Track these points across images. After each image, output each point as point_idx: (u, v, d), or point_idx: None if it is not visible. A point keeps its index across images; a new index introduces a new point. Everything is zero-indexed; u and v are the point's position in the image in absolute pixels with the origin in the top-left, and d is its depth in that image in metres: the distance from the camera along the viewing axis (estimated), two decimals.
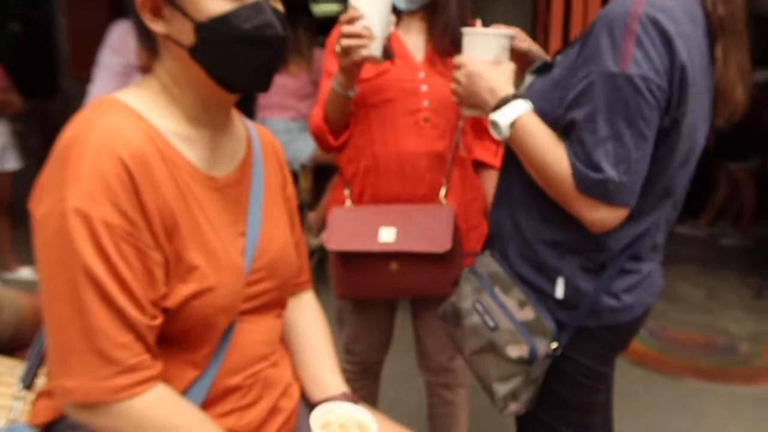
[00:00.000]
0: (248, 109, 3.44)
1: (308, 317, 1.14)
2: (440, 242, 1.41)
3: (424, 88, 1.48)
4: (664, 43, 0.93)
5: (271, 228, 0.99)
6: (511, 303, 1.14)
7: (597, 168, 0.97)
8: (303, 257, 1.14)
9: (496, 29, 1.21)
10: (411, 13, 1.51)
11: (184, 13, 0.82)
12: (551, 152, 1.02)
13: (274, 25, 0.84)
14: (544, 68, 1.15)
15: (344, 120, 1.51)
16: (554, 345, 1.10)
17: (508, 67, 1.15)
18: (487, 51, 1.15)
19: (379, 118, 1.49)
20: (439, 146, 1.49)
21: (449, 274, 1.47)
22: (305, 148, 3.32)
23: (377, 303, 1.62)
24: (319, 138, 1.54)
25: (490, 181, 1.61)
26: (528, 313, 1.11)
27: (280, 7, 0.88)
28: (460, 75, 1.15)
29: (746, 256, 4.32)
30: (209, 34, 0.82)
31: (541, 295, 1.12)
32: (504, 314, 1.13)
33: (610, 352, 1.19)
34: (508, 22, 3.01)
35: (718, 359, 2.91)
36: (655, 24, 0.93)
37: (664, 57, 0.94)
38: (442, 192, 1.51)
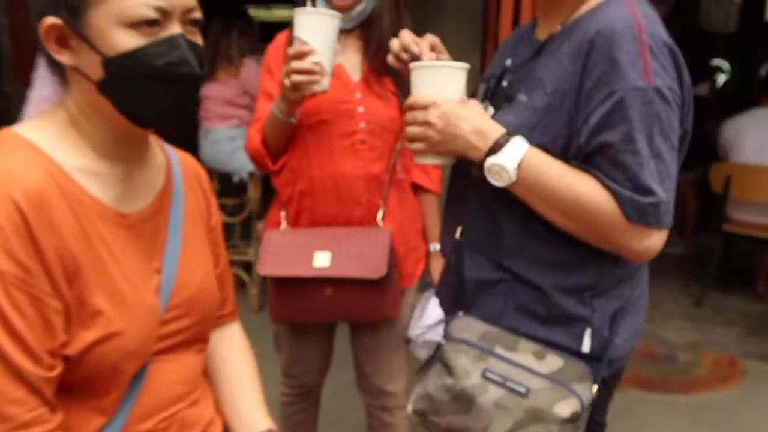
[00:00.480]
0: (192, 119, 3.37)
1: (233, 350, 1.10)
2: (376, 268, 1.40)
3: (360, 109, 1.46)
4: (669, 54, 0.91)
5: (190, 262, 0.96)
6: (526, 359, 0.95)
7: (648, 191, 0.88)
8: (228, 288, 1.10)
9: (451, 62, 1.06)
10: (347, 31, 1.49)
11: (92, 47, 0.77)
12: (579, 186, 0.91)
13: (189, 62, 0.81)
14: (499, 95, 1.04)
15: (284, 144, 1.49)
16: (595, 387, 0.96)
17: (477, 104, 1.00)
18: (453, 86, 0.99)
19: (314, 141, 1.47)
20: (376, 168, 1.47)
21: (386, 298, 1.46)
22: None
23: (315, 326, 1.60)
24: (257, 161, 1.51)
25: (428, 205, 1.61)
26: (553, 362, 0.95)
27: (198, 40, 0.85)
28: (431, 116, 0.96)
29: (688, 266, 4.45)
30: (118, 70, 0.78)
31: (560, 352, 0.97)
32: (529, 373, 0.94)
33: (608, 399, 1.12)
34: (457, 34, 3.05)
35: (659, 368, 2.99)
36: (659, 36, 0.91)
37: (672, 67, 0.90)
38: (380, 215, 1.49)
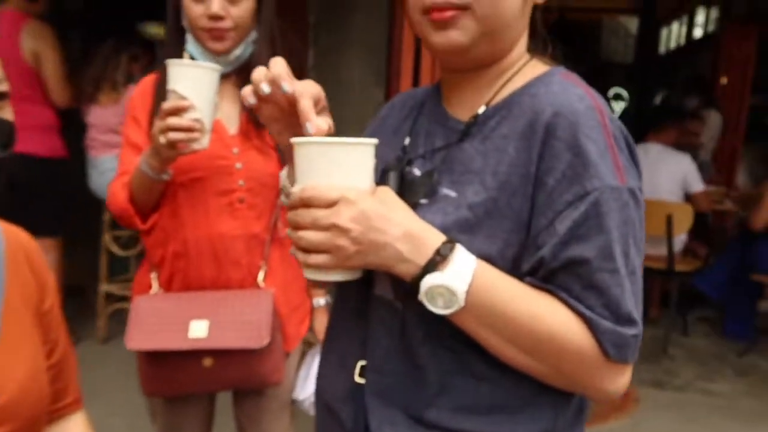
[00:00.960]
0: (77, 146, 3.15)
1: None
2: (258, 335, 1.30)
3: (238, 165, 1.36)
4: (627, 146, 0.75)
5: (9, 359, 0.83)
6: None
7: (630, 320, 0.70)
8: (69, 375, 0.97)
9: (356, 139, 0.71)
10: (223, 77, 1.37)
11: None
12: (546, 315, 0.70)
13: None
14: (415, 187, 0.79)
15: (154, 201, 1.36)
16: None
17: (392, 193, 0.73)
18: (363, 172, 0.70)
19: (188, 199, 1.35)
20: (256, 228, 1.38)
21: (269, 365, 1.36)
22: None
23: (192, 396, 1.48)
24: (123, 220, 1.37)
25: None
26: None
27: (9, 116, 0.74)
28: (343, 219, 0.67)
29: None
30: None
31: None
32: None
33: None
34: (362, 68, 3.02)
35: None
36: (617, 124, 0.75)
37: (633, 162, 0.75)
38: (261, 276, 1.40)
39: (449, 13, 0.72)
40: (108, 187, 1.39)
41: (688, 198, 3.74)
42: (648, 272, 3.81)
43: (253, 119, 1.36)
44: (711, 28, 6.91)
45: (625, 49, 9.56)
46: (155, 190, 1.33)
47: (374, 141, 0.71)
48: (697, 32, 7.58)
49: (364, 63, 2.98)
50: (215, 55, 1.33)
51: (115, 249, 3.26)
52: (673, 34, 8.57)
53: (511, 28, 0.76)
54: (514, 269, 0.72)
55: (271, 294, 1.37)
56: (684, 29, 8.06)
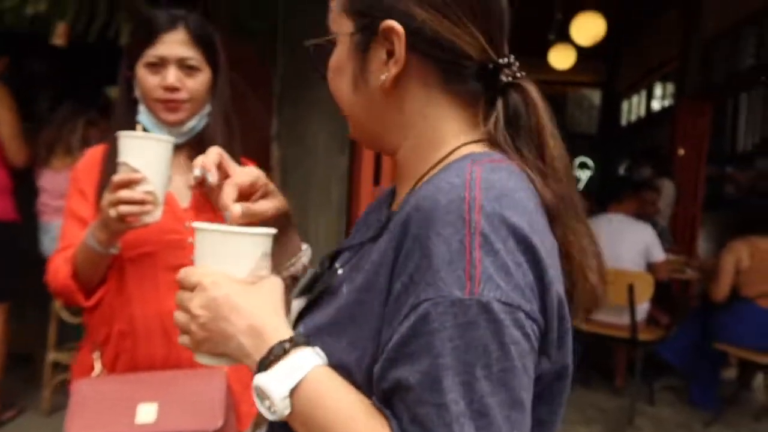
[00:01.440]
0: (29, 209, 3.08)
1: None
2: (211, 417, 1.22)
3: (190, 239, 1.31)
4: (520, 249, 0.60)
5: None
6: None
7: None
8: None
9: (253, 228, 0.74)
10: (176, 148, 1.33)
11: None
12: None
13: None
14: (324, 283, 0.76)
15: (99, 277, 1.30)
16: None
17: (275, 286, 0.72)
18: (240, 259, 0.71)
19: (136, 274, 1.30)
20: None
21: None
22: None
23: None
24: (65, 297, 1.30)
25: None
26: None
27: None
28: (194, 304, 0.69)
29: None
30: None
31: None
32: None
33: None
34: (327, 135, 3.06)
35: None
36: (506, 224, 0.60)
37: (528, 273, 0.60)
38: None
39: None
40: (48, 261, 1.33)
41: (650, 267, 3.79)
42: (612, 341, 3.83)
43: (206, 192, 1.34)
44: (668, 102, 7.24)
45: (589, 120, 9.93)
46: (102, 264, 1.27)
47: (262, 231, 0.72)
48: (656, 105, 7.93)
49: (328, 131, 3.02)
50: (169, 126, 1.32)
51: (65, 315, 3.14)
52: (633, 107, 8.95)
53: (362, 118, 0.75)
54: (368, 384, 0.63)
55: (224, 372, 1.30)
56: (643, 102, 8.43)
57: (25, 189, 3.06)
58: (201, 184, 0.82)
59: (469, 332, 0.56)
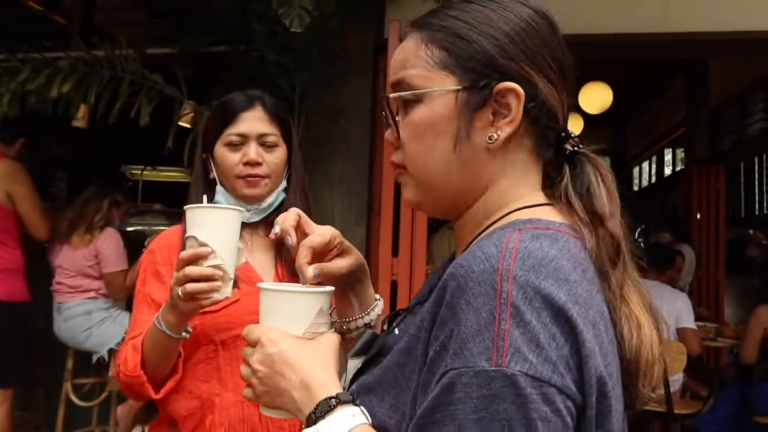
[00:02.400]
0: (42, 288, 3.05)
1: None
2: None
3: None
4: (556, 321, 0.57)
5: None
6: None
7: None
8: None
9: (307, 286, 0.79)
10: (253, 226, 1.35)
11: None
12: None
13: None
14: (375, 344, 0.77)
15: (170, 365, 1.22)
16: None
17: (329, 343, 0.74)
18: (296, 317, 0.76)
19: (229, 360, 1.24)
20: None
21: None
22: (116, 331, 2.92)
23: None
24: (133, 389, 1.22)
25: None
26: None
27: None
28: (255, 359, 0.72)
29: None
30: None
31: None
32: None
33: None
34: (342, 207, 3.05)
35: None
36: (541, 294, 0.58)
37: (563, 346, 0.57)
38: None
39: (396, 171, 0.76)
40: (117, 353, 1.28)
41: (678, 333, 3.66)
42: (647, 415, 3.64)
43: (289, 266, 1.31)
44: (679, 166, 7.26)
45: None
46: (172, 351, 1.20)
47: (325, 290, 0.78)
48: (667, 170, 7.94)
49: (344, 204, 3.01)
50: (250, 202, 1.33)
51: (75, 399, 3.04)
52: (644, 173, 8.98)
53: (449, 179, 0.71)
54: None
55: None
56: (654, 167, 8.46)
57: (39, 269, 3.05)
58: (280, 242, 0.85)
59: (494, 405, 0.55)
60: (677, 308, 3.69)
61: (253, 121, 1.33)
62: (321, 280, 0.82)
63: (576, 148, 0.74)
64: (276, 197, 1.36)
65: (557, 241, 0.64)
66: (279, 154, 1.35)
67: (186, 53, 3.05)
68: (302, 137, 2.86)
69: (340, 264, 0.85)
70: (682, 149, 7.00)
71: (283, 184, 1.38)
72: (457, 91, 0.69)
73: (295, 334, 0.74)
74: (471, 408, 0.55)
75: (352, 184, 3.02)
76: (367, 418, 0.65)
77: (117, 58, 2.79)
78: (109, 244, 2.99)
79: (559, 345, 0.57)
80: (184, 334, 1.17)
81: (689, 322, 3.69)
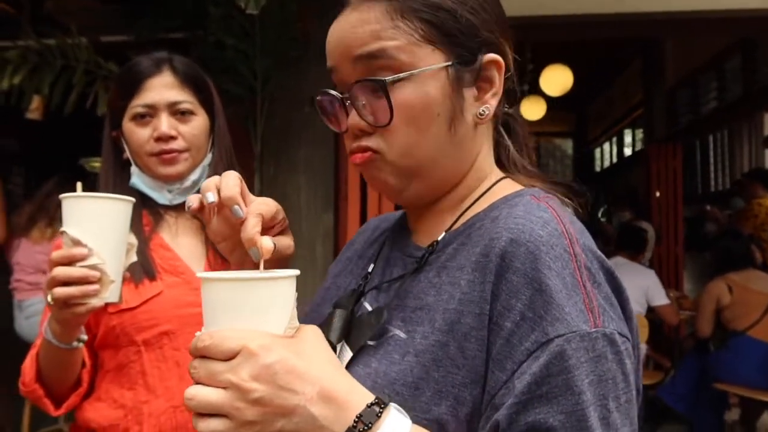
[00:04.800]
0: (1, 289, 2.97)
1: None
2: None
3: None
4: (608, 279, 0.61)
5: None
6: None
7: None
8: None
9: (281, 271, 0.59)
10: (177, 209, 1.19)
11: None
12: None
13: None
14: (362, 327, 0.68)
15: (70, 378, 1.10)
16: None
17: (320, 337, 0.59)
18: (272, 311, 0.57)
19: (155, 361, 1.11)
20: None
21: None
22: None
23: None
24: (35, 402, 1.11)
25: None
26: None
27: None
28: (242, 375, 0.53)
29: None
30: None
31: None
32: None
33: None
34: (309, 193, 3.03)
35: None
36: (596, 256, 0.61)
37: (615, 299, 0.61)
38: None
39: (359, 157, 0.66)
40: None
41: (652, 311, 3.79)
42: None
43: (221, 254, 1.20)
44: (639, 146, 7.43)
45: (564, 168, 10.13)
46: (67, 363, 1.07)
47: (293, 272, 0.58)
48: (627, 151, 8.12)
49: (310, 189, 3.00)
50: (169, 182, 1.18)
51: None
52: (605, 153, 9.16)
53: (442, 161, 0.66)
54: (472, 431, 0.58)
55: None
56: (615, 148, 8.64)
57: None
58: (200, 210, 0.66)
59: (600, 365, 0.56)
60: (646, 284, 3.82)
61: (161, 89, 1.16)
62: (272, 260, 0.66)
63: (508, 108, 0.73)
64: (201, 173, 1.21)
65: (565, 207, 0.67)
66: (196, 124, 1.18)
67: (142, 40, 2.97)
68: (265, 124, 2.83)
69: (287, 242, 0.71)
70: (640, 130, 7.16)
71: (208, 157, 1.22)
72: (447, 67, 0.64)
73: (276, 333, 0.56)
74: (584, 372, 0.55)
75: (317, 170, 3.00)
76: (407, 416, 0.57)
77: (69, 46, 2.71)
78: None
79: (616, 302, 0.60)
80: (75, 343, 1.03)
81: (662, 298, 3.83)
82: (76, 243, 0.92)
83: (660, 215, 5.49)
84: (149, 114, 1.16)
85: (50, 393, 1.09)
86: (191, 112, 1.18)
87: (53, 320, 1.00)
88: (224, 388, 0.53)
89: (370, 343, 0.66)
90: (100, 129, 1.25)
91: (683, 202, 5.56)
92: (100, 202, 0.95)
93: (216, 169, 1.20)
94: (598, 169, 9.50)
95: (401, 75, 0.63)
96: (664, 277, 5.32)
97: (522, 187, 0.70)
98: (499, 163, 0.74)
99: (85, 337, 1.06)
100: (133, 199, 0.99)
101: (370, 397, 0.56)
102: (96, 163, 5.02)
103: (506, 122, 0.74)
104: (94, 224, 0.93)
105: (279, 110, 2.91)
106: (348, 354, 0.67)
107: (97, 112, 2.62)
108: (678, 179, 5.54)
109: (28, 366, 1.09)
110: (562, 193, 0.70)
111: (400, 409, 0.57)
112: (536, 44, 4.33)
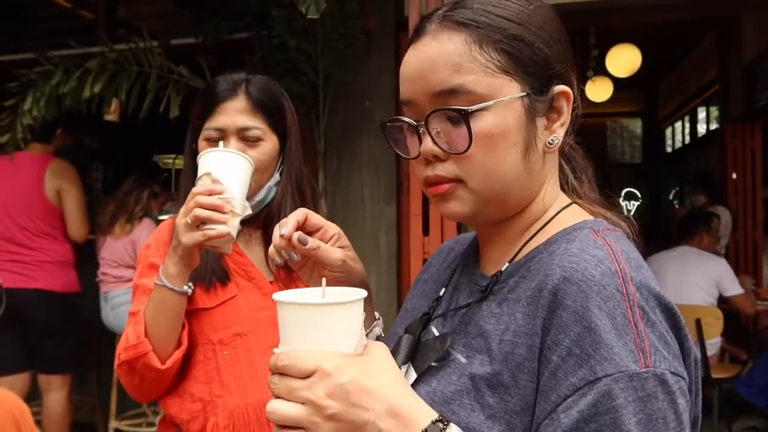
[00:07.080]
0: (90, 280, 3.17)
1: None
2: None
3: None
4: (666, 315, 0.62)
5: None
6: None
7: None
8: None
9: (342, 289, 0.69)
10: (250, 221, 1.22)
11: None
12: None
13: None
14: (426, 351, 0.72)
15: (175, 332, 1.14)
16: None
17: (387, 356, 0.64)
18: (344, 332, 0.62)
19: (230, 360, 1.18)
20: None
21: None
22: None
23: None
24: (135, 364, 1.13)
25: None
26: None
27: None
28: (318, 393, 0.58)
29: None
30: None
31: None
32: None
33: None
34: (372, 187, 3.07)
35: None
36: (653, 294, 0.62)
37: (672, 336, 0.62)
38: None
39: (444, 187, 0.69)
40: (121, 337, 1.22)
41: (726, 302, 3.62)
42: None
43: (285, 265, 1.24)
44: (713, 125, 7.07)
45: (632, 149, 9.76)
46: (175, 311, 1.13)
47: (361, 294, 0.63)
48: (701, 129, 7.74)
49: (373, 183, 3.04)
50: None
51: None
52: (677, 133, 8.76)
53: (515, 188, 0.69)
54: None
55: None
56: (687, 128, 8.25)
57: (86, 261, 3.17)
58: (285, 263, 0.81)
59: (650, 405, 0.57)
60: (717, 274, 3.63)
61: (233, 113, 1.20)
62: (311, 256, 0.79)
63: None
64: (266, 194, 1.26)
65: (627, 240, 0.69)
66: (264, 149, 1.22)
67: (209, 42, 3.08)
68: (328, 121, 2.89)
69: (335, 254, 0.79)
70: (716, 107, 6.79)
71: (275, 177, 1.27)
72: (523, 97, 0.67)
73: (346, 351, 0.61)
74: (632, 411, 0.56)
75: (380, 164, 3.04)
76: None
77: (142, 51, 2.84)
78: (146, 234, 3.09)
79: (673, 340, 0.61)
80: (186, 288, 1.11)
81: (735, 287, 3.64)
82: (215, 182, 1.07)
83: (737, 198, 5.23)
84: (220, 137, 1.21)
85: (155, 349, 1.13)
86: (259, 138, 1.23)
87: (170, 261, 1.10)
88: (302, 403, 0.59)
89: (434, 364, 0.70)
90: (171, 128, 1.32)
91: (762, 184, 5.27)
92: (234, 155, 1.12)
93: (282, 190, 1.27)
94: (669, 149, 9.10)
95: (482, 105, 0.65)
96: (741, 264, 5.09)
97: (585, 217, 0.72)
98: (563, 189, 0.76)
99: (192, 285, 1.15)
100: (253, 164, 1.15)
101: (434, 415, 0.60)
102: (168, 160, 5.26)
103: (567, 151, 0.78)
104: (228, 171, 1.09)
105: (341, 106, 2.96)
106: (413, 375, 0.72)
107: (170, 115, 2.74)
108: (757, 160, 5.25)
109: (131, 331, 1.14)
110: (623, 219, 0.72)
111: (460, 429, 0.60)
112: (602, 26, 4.18)
